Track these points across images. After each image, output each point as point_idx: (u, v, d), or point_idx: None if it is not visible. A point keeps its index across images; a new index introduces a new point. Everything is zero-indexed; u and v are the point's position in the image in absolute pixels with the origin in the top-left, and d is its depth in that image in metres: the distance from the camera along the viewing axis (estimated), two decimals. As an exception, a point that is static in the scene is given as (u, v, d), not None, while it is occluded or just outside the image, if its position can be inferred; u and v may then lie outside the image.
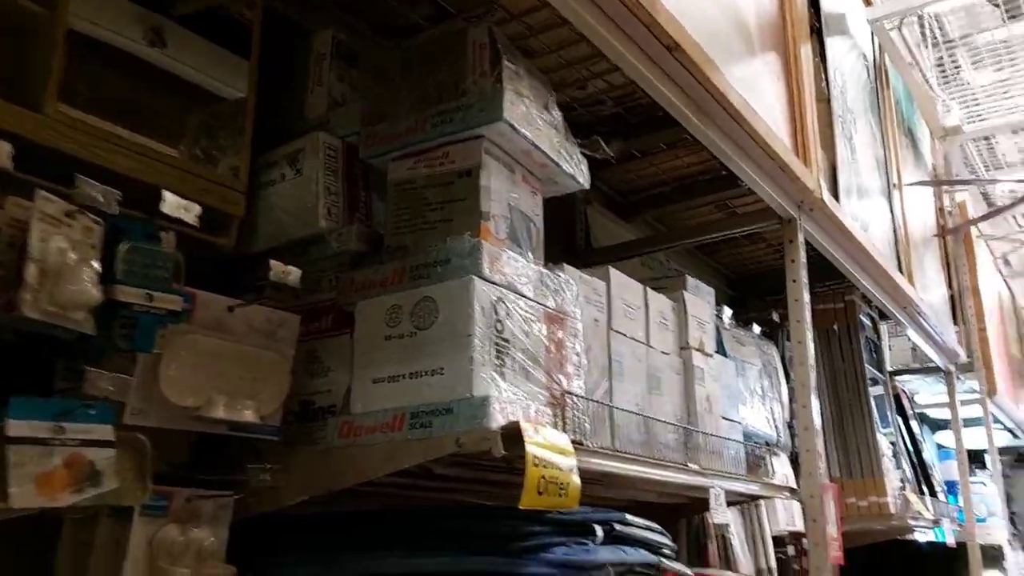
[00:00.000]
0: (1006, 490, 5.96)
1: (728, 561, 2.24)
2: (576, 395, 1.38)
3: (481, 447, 1.11)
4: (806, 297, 2.18)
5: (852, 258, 2.65)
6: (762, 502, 2.55)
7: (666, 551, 1.45)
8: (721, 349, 2.34)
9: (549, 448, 1.16)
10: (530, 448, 1.11)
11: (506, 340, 1.23)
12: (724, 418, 2.09)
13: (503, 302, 1.24)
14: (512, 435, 1.13)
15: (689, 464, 1.76)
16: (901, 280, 3.07)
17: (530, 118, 1.37)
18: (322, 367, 1.34)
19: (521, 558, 1.16)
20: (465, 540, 1.19)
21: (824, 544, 2.01)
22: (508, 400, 1.19)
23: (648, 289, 1.84)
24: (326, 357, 1.34)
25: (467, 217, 1.29)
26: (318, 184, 1.38)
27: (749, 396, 2.49)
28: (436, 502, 1.57)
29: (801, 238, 2.22)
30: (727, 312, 2.66)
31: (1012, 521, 6.27)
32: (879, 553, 3.39)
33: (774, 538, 2.58)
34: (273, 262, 1.14)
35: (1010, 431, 6.11)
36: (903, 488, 3.46)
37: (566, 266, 1.48)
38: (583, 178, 1.51)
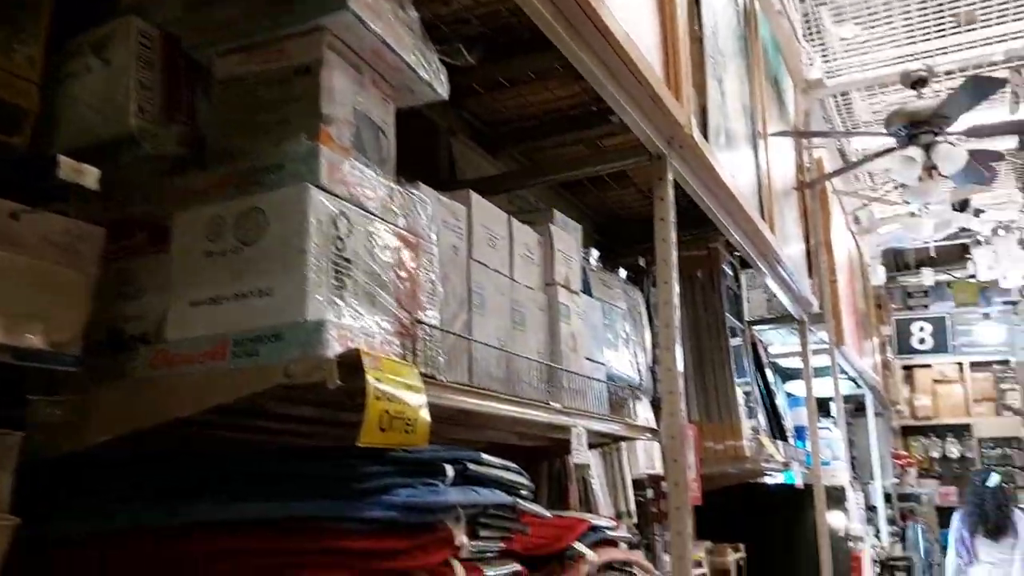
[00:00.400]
0: (848, 436, 6.31)
1: (588, 504, 2.20)
2: (429, 326, 1.26)
3: (313, 378, 0.98)
4: (673, 237, 2.13)
5: (718, 201, 2.63)
6: (623, 446, 2.53)
7: (523, 492, 1.36)
8: (587, 290, 2.28)
9: (394, 382, 1.04)
10: (371, 380, 0.99)
11: (347, 260, 1.09)
12: (588, 359, 2.02)
13: (344, 217, 1.09)
14: (351, 365, 1.00)
15: (552, 403, 1.68)
16: (764, 227, 3.10)
17: (381, 12, 1.21)
18: (135, 289, 1.16)
19: (360, 501, 1.03)
20: (296, 483, 1.05)
21: (684, 484, 1.99)
22: (348, 327, 1.05)
23: (513, 220, 1.74)
24: (140, 278, 1.16)
25: (305, 120, 1.13)
26: (129, 77, 1.18)
27: (613, 338, 2.44)
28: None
29: (670, 176, 2.16)
30: (594, 253, 2.61)
31: (852, 465, 6.67)
32: (732, 497, 3.47)
33: (634, 481, 2.57)
34: (63, 158, 0.96)
35: (853, 380, 6.46)
36: (757, 433, 3.57)
37: (421, 184, 1.34)
38: (442, 88, 1.37)
